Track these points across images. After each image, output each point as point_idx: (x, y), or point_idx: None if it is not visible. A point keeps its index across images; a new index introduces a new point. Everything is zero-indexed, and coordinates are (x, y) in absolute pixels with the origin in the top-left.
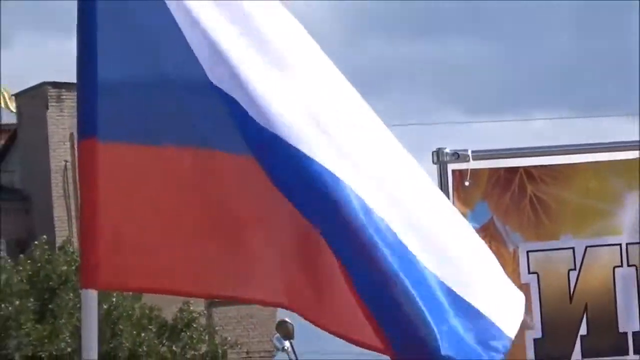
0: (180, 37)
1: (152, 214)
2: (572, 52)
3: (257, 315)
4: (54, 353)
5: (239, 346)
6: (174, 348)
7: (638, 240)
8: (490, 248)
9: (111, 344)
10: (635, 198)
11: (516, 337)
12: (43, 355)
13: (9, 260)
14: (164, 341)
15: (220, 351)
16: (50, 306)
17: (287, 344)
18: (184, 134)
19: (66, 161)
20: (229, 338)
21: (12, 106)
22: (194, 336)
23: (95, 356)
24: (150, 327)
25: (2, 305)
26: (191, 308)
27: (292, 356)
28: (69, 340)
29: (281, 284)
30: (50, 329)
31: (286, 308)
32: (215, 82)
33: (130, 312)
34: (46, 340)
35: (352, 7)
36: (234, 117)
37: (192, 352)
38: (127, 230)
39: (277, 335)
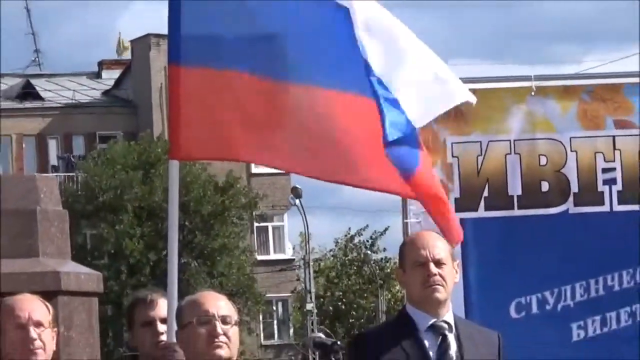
0: None
1: (219, 107)
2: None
3: (278, 183)
4: (152, 205)
5: (267, 197)
6: (224, 200)
7: (522, 138)
8: (430, 138)
9: (185, 197)
10: (520, 110)
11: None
12: (144, 206)
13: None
14: (218, 195)
15: (252, 202)
16: (149, 175)
17: (297, 201)
18: (242, 63)
19: (162, 83)
20: (260, 193)
21: (127, 48)
22: (236, 193)
23: (177, 204)
24: (209, 188)
25: (112, 179)
26: (233, 174)
27: (301, 209)
28: (162, 196)
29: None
30: (149, 189)
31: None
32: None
33: (195, 177)
34: (147, 196)
35: None
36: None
37: (236, 202)
38: (200, 118)
39: (291, 195)
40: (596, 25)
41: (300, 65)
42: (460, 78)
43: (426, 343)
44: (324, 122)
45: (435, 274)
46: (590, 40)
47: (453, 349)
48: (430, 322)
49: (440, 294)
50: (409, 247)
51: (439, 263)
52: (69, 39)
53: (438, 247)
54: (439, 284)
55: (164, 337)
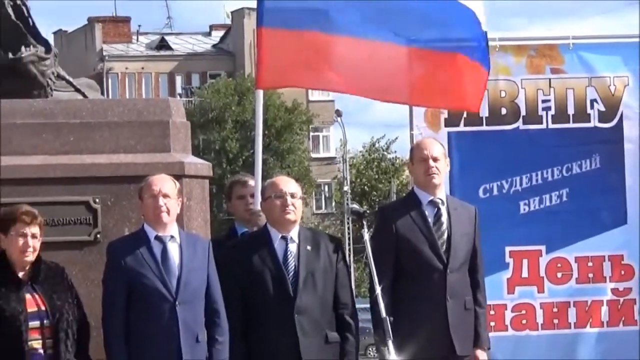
0: None
1: (288, 54)
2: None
3: (327, 106)
4: (244, 119)
5: (319, 116)
6: (290, 117)
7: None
8: None
9: (265, 115)
10: None
11: None
12: (239, 120)
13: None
14: (287, 114)
15: (309, 119)
16: (242, 100)
17: (339, 119)
18: (312, 23)
19: (251, 40)
20: (314, 113)
21: (229, 16)
22: (299, 113)
23: (261, 119)
24: (281, 109)
25: (217, 102)
26: (297, 100)
27: (341, 124)
28: (250, 114)
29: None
30: (242, 109)
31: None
32: None
33: (272, 103)
34: (240, 113)
35: None
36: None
37: (298, 119)
38: (276, 61)
39: (335, 115)
40: (538, 5)
41: (349, 22)
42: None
43: (426, 212)
44: (364, 62)
45: (433, 167)
46: (533, 15)
47: (444, 217)
48: (429, 199)
49: (436, 180)
50: (416, 148)
51: (435, 159)
52: (190, 9)
53: (435, 148)
54: (435, 173)
55: (252, 207)
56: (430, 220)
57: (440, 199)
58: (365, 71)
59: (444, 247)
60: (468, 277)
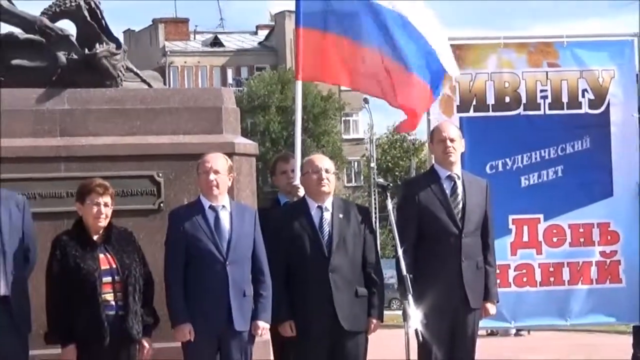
0: None
1: (323, 53)
2: (477, 4)
3: (356, 95)
4: (286, 105)
5: (350, 103)
6: (325, 104)
7: (495, 71)
8: None
9: (304, 102)
10: (494, 56)
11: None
12: (281, 106)
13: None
14: (322, 102)
15: (341, 106)
16: (284, 89)
17: (366, 105)
18: (343, 29)
19: (291, 38)
20: (345, 100)
21: (273, 18)
22: (332, 100)
23: (300, 106)
24: (317, 97)
25: (262, 91)
26: (331, 90)
27: (368, 110)
28: (291, 101)
29: (377, 85)
30: (284, 96)
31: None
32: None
33: (310, 92)
34: (283, 100)
35: None
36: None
37: (332, 105)
38: (312, 58)
39: (363, 102)
40: (539, 6)
41: (373, 36)
42: (461, 38)
43: (444, 185)
44: (382, 71)
45: (450, 147)
46: (534, 16)
47: (460, 189)
48: (447, 174)
49: (453, 158)
50: (436, 130)
51: (452, 140)
52: (239, 11)
53: (452, 131)
54: (452, 152)
55: (293, 180)
56: (448, 192)
57: (457, 174)
58: (385, 80)
59: (459, 215)
60: (480, 240)
